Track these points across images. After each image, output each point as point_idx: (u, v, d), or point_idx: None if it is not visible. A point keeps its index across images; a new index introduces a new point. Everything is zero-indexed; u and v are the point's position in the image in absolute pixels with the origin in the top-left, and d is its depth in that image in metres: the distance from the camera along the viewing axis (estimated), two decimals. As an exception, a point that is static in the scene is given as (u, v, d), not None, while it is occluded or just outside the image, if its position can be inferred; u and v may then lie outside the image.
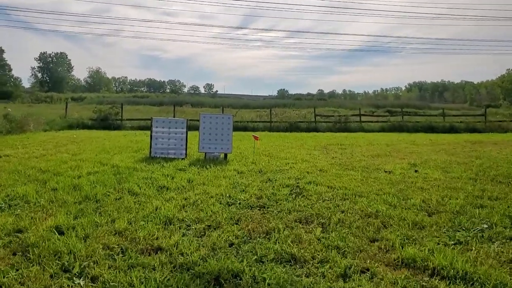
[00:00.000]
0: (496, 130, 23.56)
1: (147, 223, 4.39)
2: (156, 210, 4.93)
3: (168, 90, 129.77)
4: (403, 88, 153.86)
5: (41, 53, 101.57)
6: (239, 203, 5.46)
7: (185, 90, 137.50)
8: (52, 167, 7.83)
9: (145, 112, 31.63)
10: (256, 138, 10.35)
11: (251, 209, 5.23)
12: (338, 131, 22.57)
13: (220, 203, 5.42)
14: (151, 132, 10.05)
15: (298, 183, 6.92)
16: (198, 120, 19.40)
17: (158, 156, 9.80)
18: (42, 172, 7.33)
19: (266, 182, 7.03)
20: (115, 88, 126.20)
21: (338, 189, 6.47)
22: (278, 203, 5.52)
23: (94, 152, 10.30)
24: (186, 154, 9.98)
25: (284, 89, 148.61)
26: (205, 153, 9.97)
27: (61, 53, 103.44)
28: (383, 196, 6.04)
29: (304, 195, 6.04)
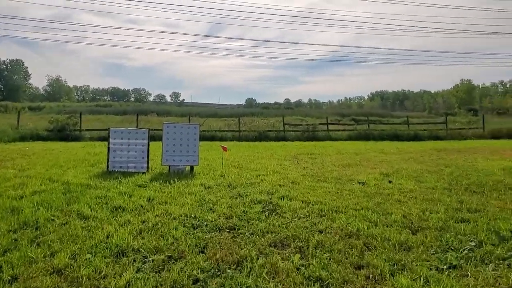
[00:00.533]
0: (456, 137, 24.23)
1: (95, 256, 3.67)
2: (107, 238, 4.21)
3: (132, 99, 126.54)
4: (366, 97, 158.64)
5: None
6: (206, 225, 4.84)
7: (151, 98, 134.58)
8: (-10, 186, 6.87)
9: (107, 122, 30.19)
10: (224, 148, 9.77)
11: (219, 231, 4.62)
12: (306, 140, 22.38)
13: (184, 226, 4.77)
14: (109, 144, 9.22)
15: (271, 198, 6.38)
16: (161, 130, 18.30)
17: (116, 170, 8.98)
18: (-23, 192, 6.37)
19: (236, 198, 6.44)
20: (76, 97, 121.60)
21: (313, 204, 5.99)
22: (250, 223, 4.95)
23: (45, 167, 9.31)
24: (147, 167, 9.21)
25: (251, 98, 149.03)
26: (169, 166, 9.25)
27: (16, 60, 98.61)
28: (361, 211, 5.61)
29: (277, 213, 5.50)
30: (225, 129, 24.38)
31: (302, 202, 6.14)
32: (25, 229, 4.49)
